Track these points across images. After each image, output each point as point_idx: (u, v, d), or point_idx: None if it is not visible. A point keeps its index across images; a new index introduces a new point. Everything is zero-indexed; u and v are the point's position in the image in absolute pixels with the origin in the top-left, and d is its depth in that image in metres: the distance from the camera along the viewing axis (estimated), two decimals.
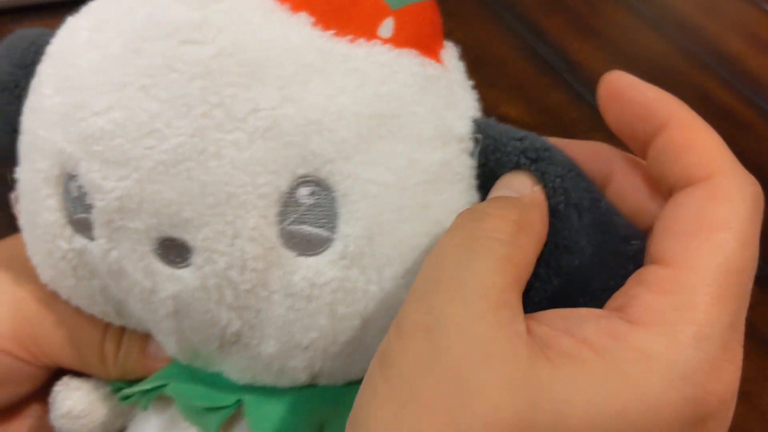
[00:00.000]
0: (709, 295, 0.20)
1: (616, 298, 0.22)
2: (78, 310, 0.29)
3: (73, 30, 0.28)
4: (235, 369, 0.27)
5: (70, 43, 0.27)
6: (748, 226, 0.21)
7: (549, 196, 0.24)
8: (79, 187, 0.25)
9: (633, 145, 0.24)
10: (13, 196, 0.46)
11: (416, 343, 0.20)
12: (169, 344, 0.27)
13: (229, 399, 0.27)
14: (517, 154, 0.25)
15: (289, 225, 0.24)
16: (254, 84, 0.23)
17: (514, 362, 0.19)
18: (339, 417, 0.26)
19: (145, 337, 0.29)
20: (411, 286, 0.22)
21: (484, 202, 0.24)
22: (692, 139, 0.22)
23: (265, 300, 0.24)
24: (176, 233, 0.24)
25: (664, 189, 0.22)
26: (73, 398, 0.30)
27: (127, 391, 0.29)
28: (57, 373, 0.31)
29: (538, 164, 0.25)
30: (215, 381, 0.27)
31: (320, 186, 0.24)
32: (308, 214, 0.24)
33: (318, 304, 0.24)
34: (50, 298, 0.29)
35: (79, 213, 0.25)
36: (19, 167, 0.28)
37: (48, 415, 0.31)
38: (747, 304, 0.22)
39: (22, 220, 0.28)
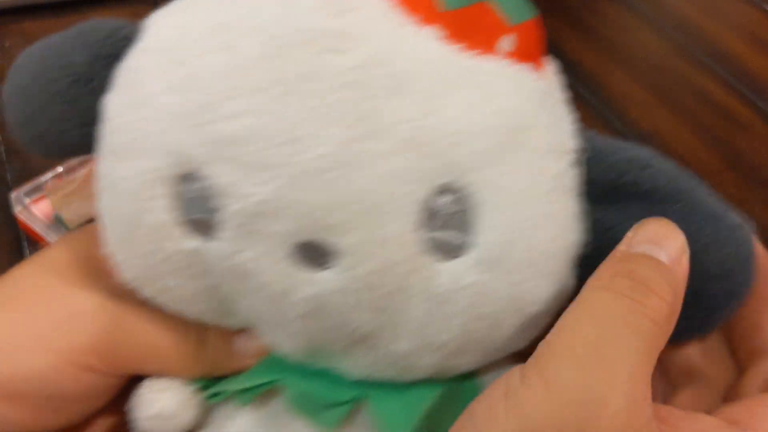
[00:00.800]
0: None
1: (731, 412, 0.24)
2: (155, 313, 0.28)
3: (181, 25, 0.27)
4: (356, 366, 0.27)
5: (183, 40, 0.26)
6: None
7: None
8: (202, 189, 0.25)
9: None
10: (13, 196, 0.46)
11: (566, 400, 0.21)
12: (287, 343, 0.27)
13: (349, 394, 0.27)
14: (623, 163, 0.27)
15: (429, 232, 0.25)
16: (396, 96, 0.24)
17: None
18: (455, 409, 0.26)
19: (230, 334, 0.29)
20: (540, 290, 0.25)
21: (644, 257, 0.24)
22: None
23: (403, 303, 0.25)
24: (319, 237, 0.24)
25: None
26: (161, 399, 0.29)
27: (223, 386, 0.29)
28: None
29: (646, 171, 0.26)
30: (327, 376, 0.28)
31: (459, 195, 0.25)
32: (448, 221, 0.25)
33: (454, 308, 0.25)
34: (126, 304, 0.28)
35: (196, 214, 0.25)
36: (105, 165, 0.27)
37: (114, 420, 0.31)
38: None
39: (108, 218, 0.28)
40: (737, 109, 0.62)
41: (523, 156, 0.25)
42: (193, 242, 0.26)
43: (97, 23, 0.31)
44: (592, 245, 0.27)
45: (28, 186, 0.46)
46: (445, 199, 0.25)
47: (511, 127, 0.25)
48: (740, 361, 0.27)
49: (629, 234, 0.25)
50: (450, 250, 0.25)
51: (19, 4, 0.64)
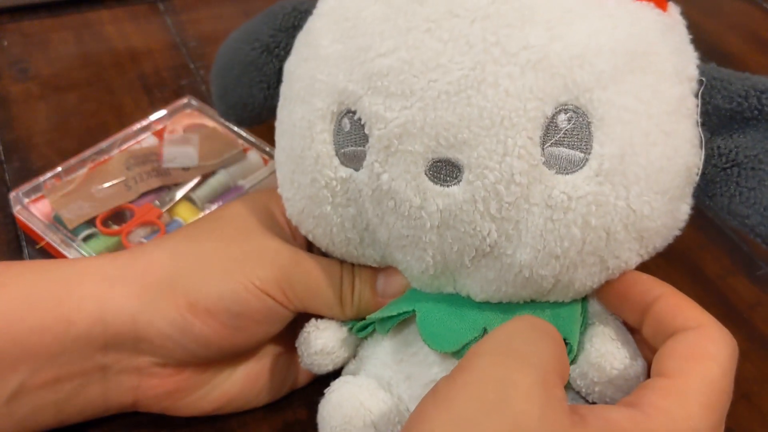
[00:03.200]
0: (699, 401, 0.26)
1: (629, 398, 0.27)
2: (319, 263, 0.34)
3: None
4: (480, 283, 0.31)
5: (344, 2, 0.31)
6: (728, 363, 0.27)
7: None
8: (357, 121, 0.29)
9: (629, 316, 0.31)
10: (12, 196, 0.46)
11: (484, 392, 0.25)
12: (422, 260, 0.31)
13: (474, 321, 0.31)
14: (744, 90, 0.29)
15: (550, 146, 0.28)
16: (526, 25, 0.28)
17: (561, 422, 0.24)
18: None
19: (374, 279, 0.34)
20: (653, 204, 0.28)
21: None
22: (683, 302, 0.29)
23: (525, 211, 0.28)
24: (451, 153, 0.28)
25: (659, 340, 0.29)
26: (323, 337, 0.34)
27: (371, 317, 0.33)
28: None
29: (765, 95, 0.29)
30: (456, 303, 0.32)
31: (577, 113, 0.28)
32: (567, 137, 0.28)
33: (573, 216, 0.28)
34: (296, 251, 0.34)
35: (348, 146, 0.30)
36: (283, 112, 0.33)
37: (280, 356, 0.36)
38: (723, 425, 0.27)
39: (282, 158, 0.33)
40: None
41: (643, 78, 0.28)
42: (346, 170, 0.30)
43: (284, 1, 0.36)
44: (712, 170, 0.30)
45: (27, 186, 0.46)
46: (566, 116, 0.28)
47: (631, 51, 0.28)
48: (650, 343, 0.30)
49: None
50: (570, 164, 0.28)
51: (17, 3, 0.64)
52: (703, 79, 0.30)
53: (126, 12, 0.65)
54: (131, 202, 0.46)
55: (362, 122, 0.29)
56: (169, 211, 0.46)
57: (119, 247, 0.43)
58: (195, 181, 0.47)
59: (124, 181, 0.46)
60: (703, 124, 0.30)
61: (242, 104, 0.37)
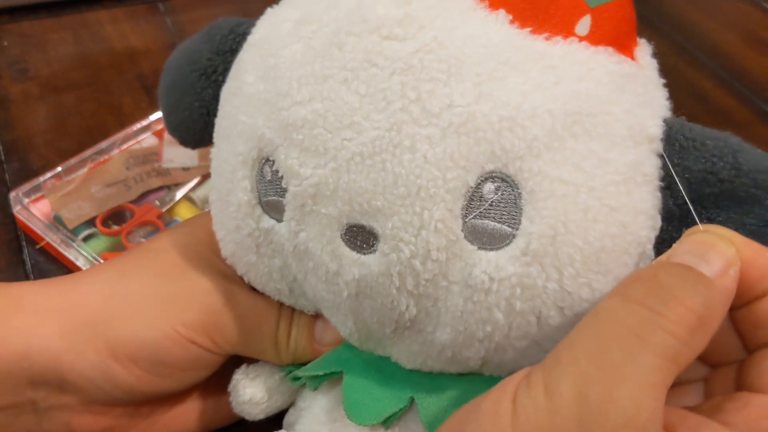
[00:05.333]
0: None
1: (716, 406, 0.23)
2: (255, 305, 0.31)
3: (276, 21, 0.29)
4: (405, 353, 0.28)
5: (274, 34, 0.28)
6: None
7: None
8: (275, 172, 0.27)
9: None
10: (12, 196, 0.46)
11: (565, 412, 0.21)
12: (345, 325, 0.29)
13: (401, 391, 0.29)
14: (719, 149, 0.25)
15: (473, 219, 0.24)
16: (452, 80, 0.24)
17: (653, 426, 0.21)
18: None
19: (312, 325, 0.32)
20: (594, 285, 0.24)
21: (675, 265, 0.23)
22: None
23: (444, 290, 0.25)
24: (366, 221, 0.25)
25: (755, 344, 0.25)
26: (253, 386, 0.32)
27: (299, 373, 0.31)
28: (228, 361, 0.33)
29: (740, 153, 0.25)
30: (385, 369, 0.29)
31: (506, 182, 0.24)
32: (492, 209, 0.24)
33: (496, 298, 0.25)
34: (231, 291, 0.31)
35: (270, 196, 0.28)
36: (215, 148, 0.30)
37: (206, 398, 0.34)
38: None
39: (213, 197, 0.31)
40: (735, 108, 0.62)
41: (587, 144, 0.24)
42: (269, 221, 0.28)
43: (222, 21, 0.33)
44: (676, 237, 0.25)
45: (27, 186, 0.46)
46: (494, 186, 0.24)
47: (574, 112, 0.24)
48: (748, 349, 0.25)
49: (676, 244, 0.24)
50: (494, 240, 0.25)
51: (17, 3, 0.64)
52: (672, 137, 0.26)
53: (125, 12, 0.65)
54: (131, 202, 0.46)
55: (279, 174, 0.27)
56: (169, 211, 0.46)
57: (119, 246, 0.44)
58: (195, 181, 0.47)
59: (124, 181, 0.46)
60: (667, 188, 0.25)
61: (185, 127, 0.34)
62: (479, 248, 0.25)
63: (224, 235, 0.30)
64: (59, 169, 0.47)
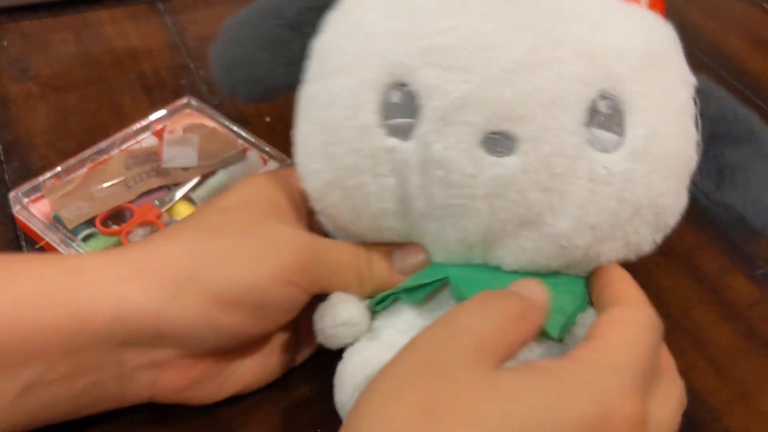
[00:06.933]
0: (621, 350, 0.29)
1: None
2: (335, 244, 0.35)
3: None
4: (516, 252, 0.33)
5: None
6: (650, 329, 0.31)
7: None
8: (408, 94, 0.31)
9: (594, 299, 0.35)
10: (11, 195, 0.46)
11: (420, 353, 0.29)
12: (464, 229, 0.33)
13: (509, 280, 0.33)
14: (732, 105, 0.35)
15: (593, 126, 0.31)
16: (571, 18, 0.32)
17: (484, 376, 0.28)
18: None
19: (390, 256, 0.36)
20: (669, 186, 0.32)
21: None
22: (626, 286, 0.33)
23: (570, 183, 0.31)
24: (508, 126, 0.30)
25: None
26: (350, 309, 0.35)
27: (403, 286, 0.35)
28: None
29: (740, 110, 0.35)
30: (486, 271, 0.34)
31: (615, 99, 0.31)
32: (606, 120, 0.31)
33: (612, 190, 0.31)
34: (310, 236, 0.35)
35: (396, 117, 0.32)
36: (316, 85, 0.34)
37: (268, 353, 0.37)
38: (650, 378, 0.30)
39: (310, 130, 0.34)
40: None
41: (662, 75, 0.33)
42: (392, 140, 0.32)
43: None
44: (705, 167, 0.34)
45: (26, 186, 0.46)
46: (605, 102, 0.31)
47: (655, 51, 0.33)
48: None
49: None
50: (608, 144, 0.31)
51: (17, 3, 0.64)
52: (700, 87, 0.34)
53: (125, 12, 0.65)
54: (131, 202, 0.46)
55: (415, 94, 0.31)
56: (169, 211, 0.46)
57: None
58: (195, 181, 0.47)
59: (123, 181, 0.46)
60: (696, 126, 0.33)
61: (255, 79, 0.37)
62: (599, 150, 0.31)
63: (324, 164, 0.33)
64: (59, 169, 0.47)
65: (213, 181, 0.47)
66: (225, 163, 0.48)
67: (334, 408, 0.35)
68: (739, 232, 0.35)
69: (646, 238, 0.33)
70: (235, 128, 0.50)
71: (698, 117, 0.33)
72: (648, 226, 0.33)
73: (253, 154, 0.49)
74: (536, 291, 0.32)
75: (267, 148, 0.49)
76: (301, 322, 0.37)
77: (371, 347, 0.34)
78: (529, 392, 0.27)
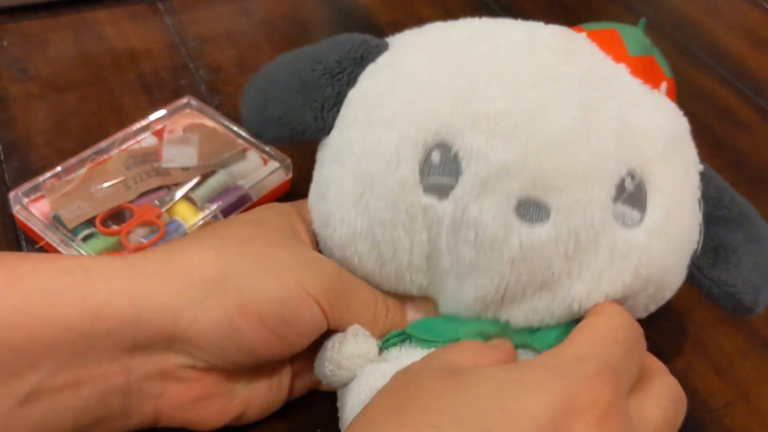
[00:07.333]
0: (589, 345, 0.30)
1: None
2: (357, 279, 0.35)
3: (436, 36, 0.36)
4: (528, 312, 0.34)
5: (442, 44, 0.35)
6: (621, 328, 0.31)
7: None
8: (450, 155, 0.32)
9: None
10: (11, 195, 0.46)
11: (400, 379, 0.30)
12: (483, 288, 0.33)
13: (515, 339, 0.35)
14: (721, 190, 0.36)
15: (618, 202, 0.33)
16: (610, 98, 0.33)
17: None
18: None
19: (403, 306, 0.37)
20: (676, 263, 0.34)
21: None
22: (606, 303, 0.34)
23: (592, 254, 0.32)
24: (543, 196, 0.31)
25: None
26: (370, 342, 0.35)
27: (420, 335, 0.35)
28: None
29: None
30: (494, 329, 0.35)
31: (636, 179, 0.33)
32: (630, 197, 0.33)
33: (628, 263, 0.33)
34: (336, 266, 0.35)
35: (435, 176, 0.33)
36: (352, 133, 0.35)
37: (277, 380, 0.36)
38: (625, 373, 0.30)
39: (343, 178, 0.34)
40: (737, 108, 0.62)
41: (681, 160, 0.34)
42: (428, 199, 0.33)
43: (351, 35, 0.38)
44: (703, 248, 0.35)
45: (26, 186, 0.46)
46: (631, 180, 0.33)
47: (677, 137, 0.35)
48: None
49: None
50: (629, 220, 0.33)
51: (17, 3, 0.63)
52: (703, 170, 0.36)
53: (125, 12, 0.65)
54: (131, 201, 0.45)
55: (458, 157, 0.32)
56: (169, 210, 0.46)
57: (119, 246, 0.43)
58: (194, 181, 0.47)
59: (123, 180, 0.46)
60: (699, 208, 0.35)
61: (285, 120, 0.37)
62: (621, 225, 0.32)
63: (356, 214, 0.34)
64: (59, 168, 0.46)
65: (213, 181, 0.47)
66: (225, 163, 0.48)
67: (335, 408, 0.35)
68: (730, 308, 0.36)
69: (643, 308, 0.35)
70: (235, 128, 0.50)
71: (701, 200, 0.35)
72: (649, 298, 0.34)
73: (253, 154, 0.49)
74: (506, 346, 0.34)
75: (267, 148, 0.49)
76: (298, 360, 0.37)
77: (376, 368, 0.34)
78: (491, 380, 0.28)
